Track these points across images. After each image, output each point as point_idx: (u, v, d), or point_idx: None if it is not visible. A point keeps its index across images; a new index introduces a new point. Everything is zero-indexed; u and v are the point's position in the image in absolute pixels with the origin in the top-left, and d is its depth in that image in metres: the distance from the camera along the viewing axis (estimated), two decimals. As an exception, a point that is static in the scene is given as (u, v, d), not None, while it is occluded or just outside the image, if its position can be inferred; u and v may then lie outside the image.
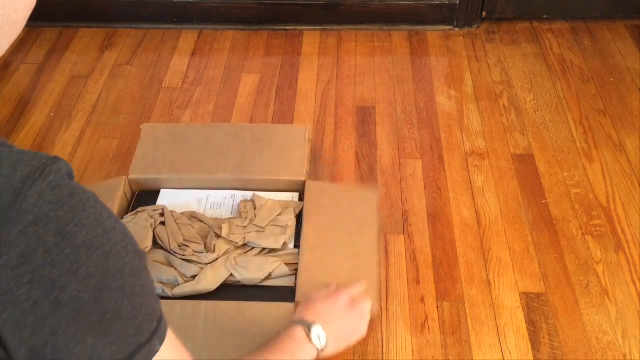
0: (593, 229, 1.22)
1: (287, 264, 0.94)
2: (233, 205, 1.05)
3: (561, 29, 1.74)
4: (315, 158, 1.37)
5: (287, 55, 1.68)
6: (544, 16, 1.76)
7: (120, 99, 1.55)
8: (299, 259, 0.94)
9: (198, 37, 1.75)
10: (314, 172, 1.34)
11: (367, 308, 0.88)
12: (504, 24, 1.77)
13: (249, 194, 1.06)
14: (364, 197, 1.04)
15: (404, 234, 1.22)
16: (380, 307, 1.11)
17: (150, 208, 1.02)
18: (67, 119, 1.50)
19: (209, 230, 0.98)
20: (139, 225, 0.97)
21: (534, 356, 1.03)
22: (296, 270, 0.93)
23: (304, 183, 1.06)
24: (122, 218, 1.03)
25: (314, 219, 1.00)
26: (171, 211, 1.01)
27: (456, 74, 1.60)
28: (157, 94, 1.57)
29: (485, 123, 1.46)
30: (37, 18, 1.83)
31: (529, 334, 1.06)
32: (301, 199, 1.05)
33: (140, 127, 1.15)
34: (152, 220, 0.99)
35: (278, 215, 1.00)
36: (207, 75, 1.62)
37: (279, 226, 0.98)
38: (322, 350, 0.78)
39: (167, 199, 1.07)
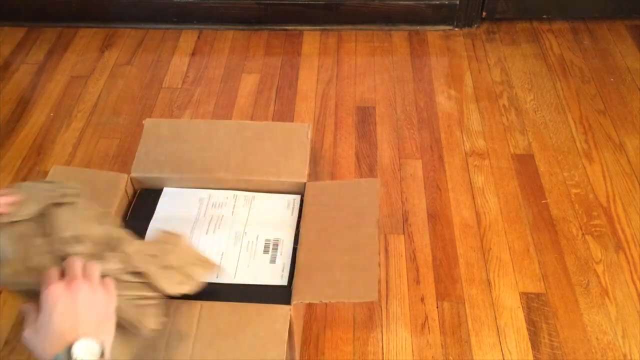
0: (593, 229, 1.22)
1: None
2: (235, 205, 1.06)
3: (561, 29, 1.74)
4: (315, 158, 1.37)
5: (287, 55, 1.68)
6: (544, 16, 1.76)
7: (120, 99, 1.55)
8: (297, 259, 0.94)
9: (198, 37, 1.75)
10: (314, 171, 1.34)
11: (97, 277, 0.66)
12: (504, 24, 1.77)
13: (250, 195, 1.06)
14: (364, 188, 1.03)
15: (404, 234, 1.22)
16: (381, 306, 1.11)
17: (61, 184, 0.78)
18: (67, 119, 1.50)
19: (111, 240, 0.79)
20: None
21: (534, 356, 1.03)
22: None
23: (304, 185, 1.05)
24: (124, 214, 1.04)
25: (313, 218, 1.00)
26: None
27: (456, 74, 1.60)
28: (157, 94, 1.57)
29: (485, 123, 1.46)
30: (37, 18, 1.85)
31: (529, 334, 1.06)
32: (302, 200, 1.05)
33: (143, 122, 1.15)
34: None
35: (190, 263, 0.86)
36: (207, 75, 1.62)
37: (186, 274, 0.84)
38: (102, 357, 0.58)
39: (169, 197, 1.07)
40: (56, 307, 0.59)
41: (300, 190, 1.06)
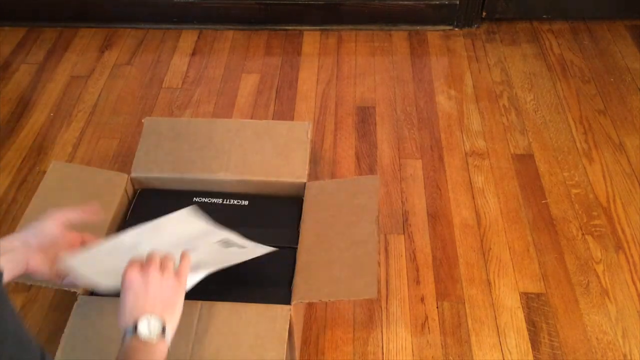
0: (593, 229, 1.22)
1: None
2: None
3: (561, 29, 1.74)
4: (315, 158, 1.37)
5: (287, 55, 1.68)
6: (544, 16, 1.76)
7: (120, 99, 1.55)
8: (297, 259, 0.94)
9: (198, 37, 1.75)
10: (314, 171, 1.34)
11: (176, 267, 0.74)
12: (504, 24, 1.77)
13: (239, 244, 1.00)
14: (363, 186, 1.03)
15: (404, 234, 1.22)
16: (381, 306, 1.11)
17: None
18: (67, 119, 1.50)
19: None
20: None
21: (534, 356, 1.03)
22: None
23: (304, 185, 1.05)
24: (126, 217, 1.04)
25: (313, 218, 1.00)
26: None
27: (456, 74, 1.60)
28: (157, 94, 1.57)
29: (485, 123, 1.46)
30: (37, 18, 1.85)
31: (529, 334, 1.06)
32: (298, 209, 1.04)
33: (142, 120, 1.15)
34: None
35: None
36: (207, 75, 1.62)
37: None
38: (163, 333, 0.67)
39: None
40: (130, 288, 0.68)
41: (300, 190, 1.06)
